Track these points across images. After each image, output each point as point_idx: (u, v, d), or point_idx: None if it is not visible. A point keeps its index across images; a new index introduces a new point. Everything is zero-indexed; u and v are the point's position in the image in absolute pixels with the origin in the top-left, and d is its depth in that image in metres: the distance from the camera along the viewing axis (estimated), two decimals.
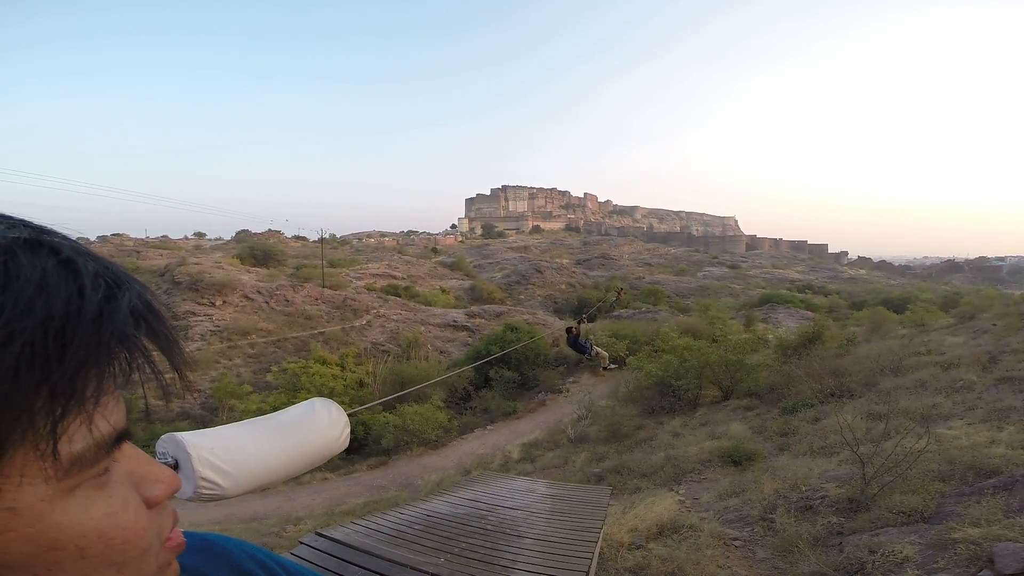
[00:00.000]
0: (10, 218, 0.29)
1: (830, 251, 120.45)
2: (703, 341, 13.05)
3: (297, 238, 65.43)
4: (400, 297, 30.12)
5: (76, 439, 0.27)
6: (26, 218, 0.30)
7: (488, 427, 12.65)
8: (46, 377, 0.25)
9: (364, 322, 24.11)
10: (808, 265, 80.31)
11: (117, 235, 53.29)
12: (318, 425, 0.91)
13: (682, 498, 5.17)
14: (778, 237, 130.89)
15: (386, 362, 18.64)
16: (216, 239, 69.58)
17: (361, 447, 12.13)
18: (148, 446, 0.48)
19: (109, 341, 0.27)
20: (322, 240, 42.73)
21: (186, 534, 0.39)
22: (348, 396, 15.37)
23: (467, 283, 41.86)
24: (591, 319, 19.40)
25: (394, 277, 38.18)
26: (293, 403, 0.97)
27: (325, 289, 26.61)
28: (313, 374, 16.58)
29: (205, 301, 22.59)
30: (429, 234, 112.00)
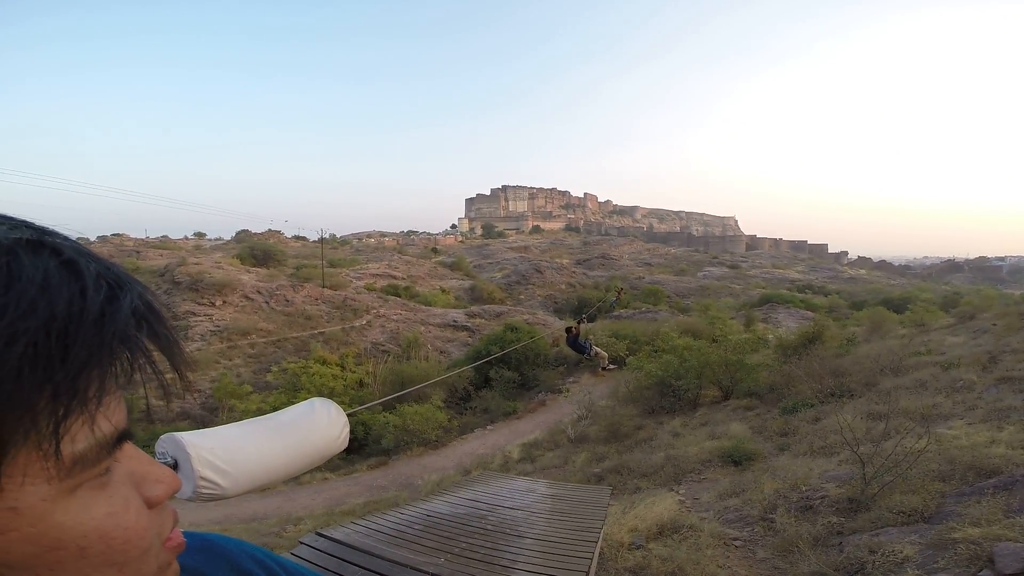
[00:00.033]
0: (12, 219, 0.29)
1: (830, 251, 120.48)
2: (703, 341, 13.04)
3: (297, 238, 65.43)
4: (400, 297, 30.12)
5: (78, 439, 0.27)
6: (27, 219, 0.30)
7: (488, 427, 12.65)
8: (49, 377, 0.25)
9: (364, 322, 24.10)
10: (808, 265, 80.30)
11: (117, 235, 53.32)
12: (317, 425, 0.91)
13: (682, 498, 5.17)
14: (778, 237, 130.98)
15: (386, 362, 18.64)
16: (216, 239, 69.59)
17: (361, 447, 12.13)
18: (148, 446, 0.48)
19: (111, 342, 0.27)
20: (322, 240, 42.73)
21: (186, 534, 0.39)
22: (348, 396, 15.37)
23: (467, 283, 41.85)
24: (591, 319, 19.41)
25: (394, 277, 38.17)
26: (293, 403, 0.97)
27: (325, 289, 26.61)
28: (313, 374, 16.58)
29: (205, 301, 22.59)
30: (429, 234, 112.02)
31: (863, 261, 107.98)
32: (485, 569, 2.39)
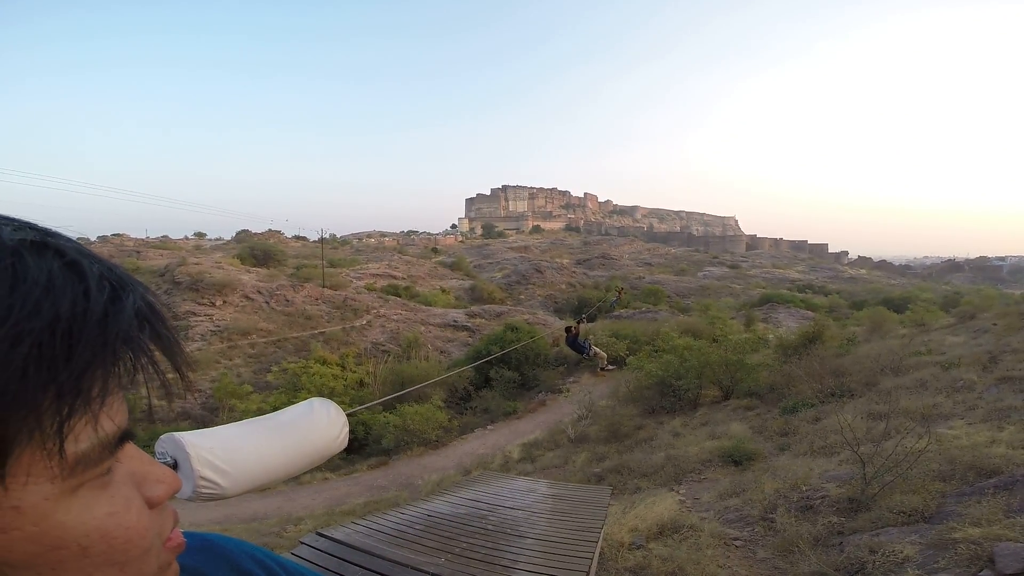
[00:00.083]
0: (15, 220, 0.29)
1: (830, 251, 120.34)
2: (703, 341, 13.04)
3: (297, 238, 65.44)
4: (400, 297, 30.12)
5: (82, 438, 0.27)
6: (30, 220, 0.30)
7: (488, 427, 12.64)
8: (53, 377, 0.25)
9: (364, 322, 24.11)
10: (808, 265, 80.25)
11: (117, 235, 53.23)
12: (317, 425, 0.91)
13: (682, 498, 5.17)
14: (778, 237, 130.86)
15: (386, 362, 18.65)
16: (216, 239, 69.54)
17: (361, 447, 12.13)
18: (148, 446, 0.49)
19: (114, 342, 0.28)
20: (322, 240, 42.76)
21: (186, 534, 0.39)
22: (348, 396, 15.37)
23: (467, 283, 41.85)
24: (591, 319, 19.42)
25: (394, 277, 38.17)
26: (293, 403, 0.97)
27: (325, 289, 26.62)
28: (313, 374, 16.59)
29: (205, 301, 22.59)
30: (429, 234, 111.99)
31: (863, 261, 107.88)
32: (486, 569, 2.39)
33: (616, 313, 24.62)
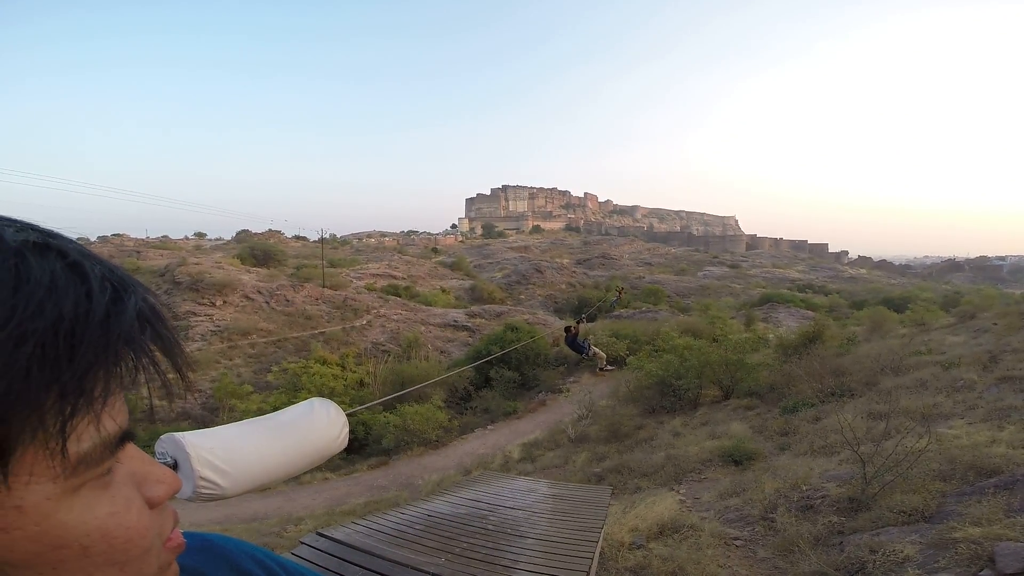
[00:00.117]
0: (18, 221, 0.29)
1: (830, 250, 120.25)
2: (703, 341, 13.04)
3: (297, 238, 65.44)
4: (400, 297, 30.12)
5: (84, 438, 0.27)
6: (32, 221, 0.30)
7: (488, 427, 12.64)
8: (56, 377, 0.25)
9: (364, 322, 24.11)
10: (808, 264, 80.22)
11: (117, 235, 53.20)
12: (317, 425, 0.91)
13: (683, 498, 5.17)
14: (778, 237, 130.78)
15: (386, 362, 18.65)
16: (216, 239, 69.49)
17: (362, 447, 12.13)
18: (149, 446, 0.48)
19: (116, 343, 0.28)
20: (322, 240, 42.77)
21: (186, 534, 0.39)
22: (348, 396, 15.37)
23: (467, 283, 41.84)
24: (591, 319, 19.42)
25: (394, 277, 38.17)
26: (293, 403, 0.97)
27: (325, 289, 26.62)
28: (313, 374, 16.59)
29: (205, 301, 22.59)
30: (429, 234, 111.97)
31: (863, 260, 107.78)
32: (486, 569, 2.39)
33: (616, 313, 24.62)
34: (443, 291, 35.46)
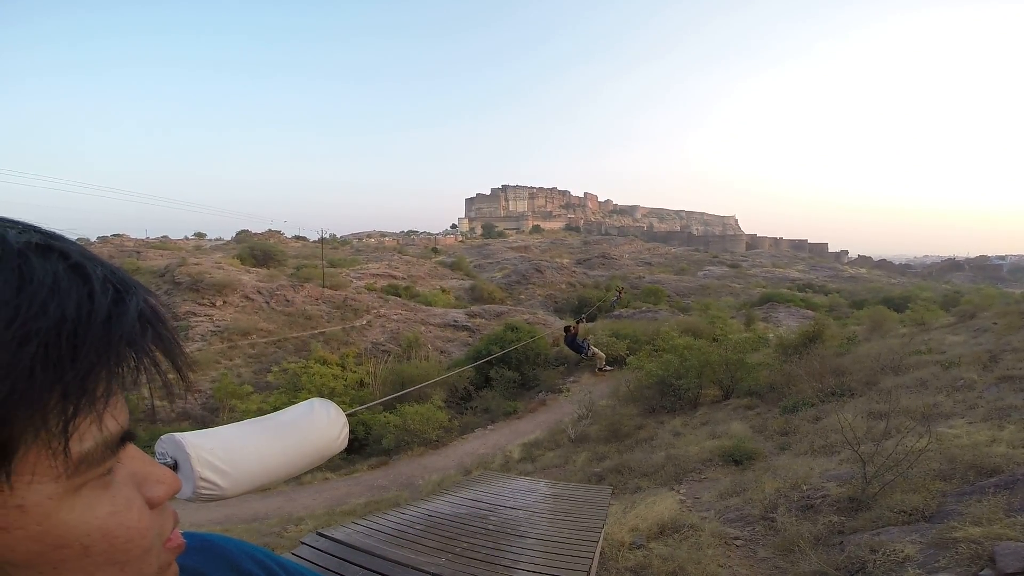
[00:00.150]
0: (20, 223, 0.30)
1: (830, 250, 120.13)
2: (703, 340, 13.03)
3: (297, 238, 65.39)
4: (400, 297, 30.13)
5: (86, 438, 0.28)
6: (34, 223, 0.31)
7: (489, 427, 12.65)
8: (59, 377, 0.26)
9: (364, 322, 24.11)
10: (808, 264, 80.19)
11: (117, 235, 53.16)
12: (317, 425, 0.91)
13: (683, 497, 5.17)
14: (778, 236, 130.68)
15: (386, 362, 18.66)
16: (216, 239, 69.45)
17: (362, 447, 12.13)
18: (148, 447, 0.48)
19: (118, 343, 0.28)
20: (322, 240, 42.77)
21: (185, 534, 0.39)
22: (348, 396, 15.38)
23: (467, 283, 41.85)
24: (591, 319, 19.43)
25: (394, 277, 38.17)
26: (294, 403, 0.97)
27: (325, 289, 26.62)
28: (314, 374, 16.59)
29: (205, 301, 22.60)
30: (429, 234, 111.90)
31: (863, 260, 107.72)
32: (487, 569, 2.39)
33: (616, 312, 24.63)
34: (443, 291, 35.47)
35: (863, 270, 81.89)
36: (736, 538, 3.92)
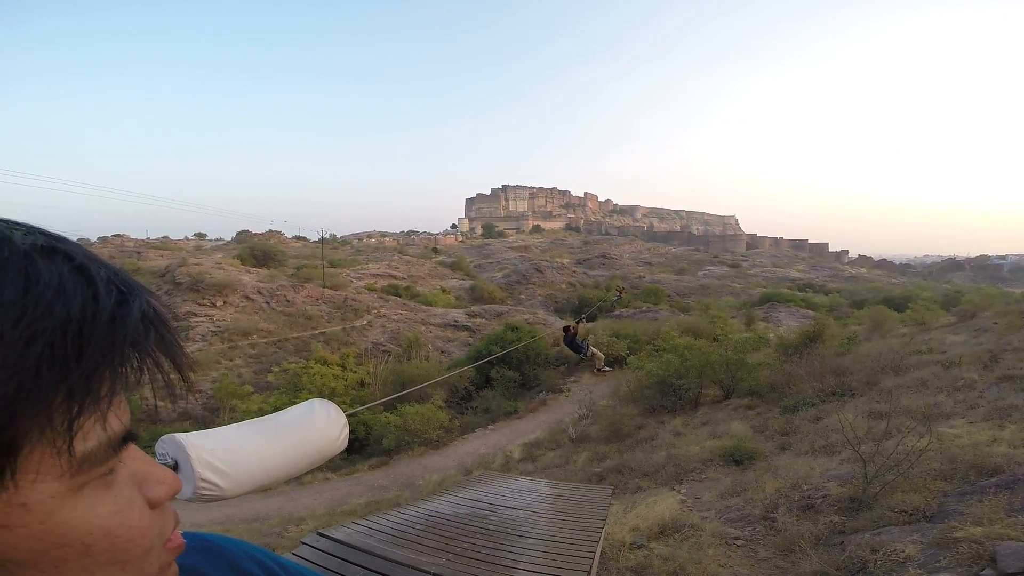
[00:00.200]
0: (24, 225, 0.30)
1: (830, 250, 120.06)
2: (704, 340, 13.03)
3: (297, 238, 65.41)
4: (400, 297, 30.14)
5: (90, 437, 0.28)
6: (38, 225, 0.31)
7: (489, 427, 12.65)
8: (65, 376, 0.26)
9: (365, 322, 24.12)
10: (809, 264, 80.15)
11: (118, 236, 53.19)
12: (317, 426, 0.91)
13: (683, 497, 5.17)
14: (778, 236, 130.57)
15: (387, 362, 18.67)
16: (216, 240, 69.47)
17: (362, 447, 12.14)
18: (149, 447, 0.49)
19: (122, 344, 0.29)
20: (322, 240, 42.82)
21: (185, 534, 0.39)
22: (349, 396, 15.38)
23: (467, 283, 41.86)
24: (591, 319, 19.42)
25: (394, 277, 38.19)
26: (294, 403, 0.97)
27: (326, 289, 26.63)
28: (314, 374, 16.59)
29: (206, 302, 22.61)
30: (429, 234, 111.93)
31: (864, 260, 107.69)
32: (487, 569, 2.39)
33: (617, 312, 24.65)
34: (443, 291, 35.49)
35: (863, 270, 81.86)
36: (737, 538, 3.92)
